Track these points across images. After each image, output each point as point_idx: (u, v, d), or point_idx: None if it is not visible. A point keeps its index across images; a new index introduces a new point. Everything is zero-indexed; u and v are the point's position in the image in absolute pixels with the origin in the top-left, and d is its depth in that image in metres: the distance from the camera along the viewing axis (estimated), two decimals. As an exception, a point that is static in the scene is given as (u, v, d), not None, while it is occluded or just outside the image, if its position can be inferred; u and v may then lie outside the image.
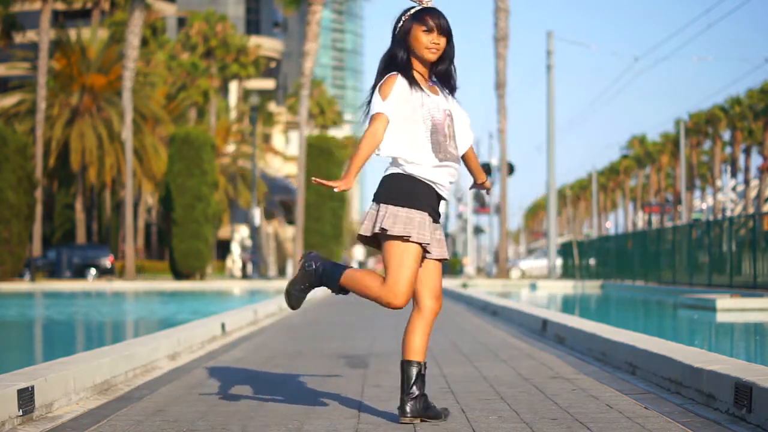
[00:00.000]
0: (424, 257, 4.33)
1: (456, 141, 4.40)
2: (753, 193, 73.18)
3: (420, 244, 4.25)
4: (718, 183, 73.45)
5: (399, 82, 4.29)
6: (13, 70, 55.77)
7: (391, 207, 4.25)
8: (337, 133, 79.87)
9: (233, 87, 68.90)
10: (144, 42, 54.03)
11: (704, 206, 73.17)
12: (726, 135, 74.15)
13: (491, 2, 34.70)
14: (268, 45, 76.78)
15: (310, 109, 67.39)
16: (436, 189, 4.32)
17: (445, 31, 4.34)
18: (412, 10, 4.38)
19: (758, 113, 68.14)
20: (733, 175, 73.59)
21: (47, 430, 4.25)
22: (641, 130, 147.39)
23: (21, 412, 4.34)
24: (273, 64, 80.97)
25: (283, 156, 76.27)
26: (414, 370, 4.28)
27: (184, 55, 60.08)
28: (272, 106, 76.72)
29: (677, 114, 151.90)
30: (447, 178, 4.35)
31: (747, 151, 72.47)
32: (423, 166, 4.27)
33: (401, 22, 4.38)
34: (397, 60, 4.36)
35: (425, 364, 4.32)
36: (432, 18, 4.32)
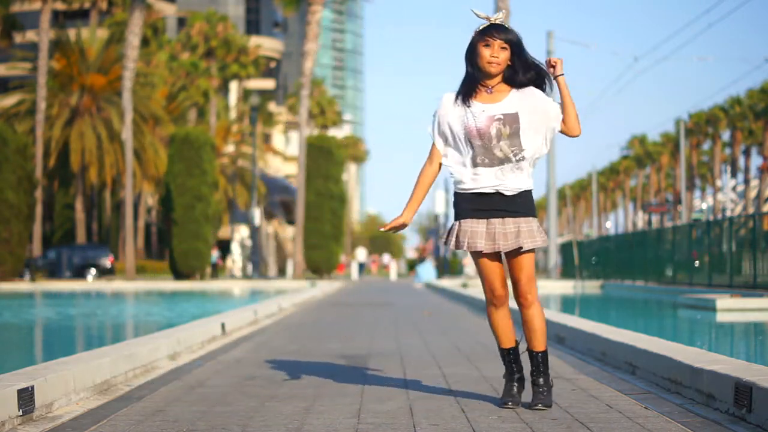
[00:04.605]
0: (483, 255, 4.67)
1: (516, 139, 4.59)
2: (753, 193, 73.22)
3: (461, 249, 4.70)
4: (718, 183, 73.47)
5: (440, 109, 4.70)
6: (13, 70, 55.77)
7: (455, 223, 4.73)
8: (337, 133, 79.81)
9: (233, 87, 68.89)
10: (144, 42, 54.03)
11: (704, 206, 73.15)
12: (726, 135, 74.18)
13: (491, 2, 34.66)
14: (268, 45, 76.79)
15: (310, 109, 67.35)
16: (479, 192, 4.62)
17: (507, 45, 4.58)
18: (481, 27, 4.65)
19: (758, 113, 68.16)
20: (733, 175, 73.64)
21: (47, 430, 4.24)
22: (641, 130, 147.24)
23: (21, 412, 4.34)
24: (273, 64, 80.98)
25: (283, 156, 76.24)
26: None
27: (185, 55, 60.04)
28: (272, 106, 76.70)
29: (677, 114, 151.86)
30: (492, 182, 4.59)
31: (747, 151, 72.50)
32: (463, 183, 4.65)
33: (472, 39, 4.67)
34: (465, 75, 4.70)
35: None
36: (491, 34, 4.57)
